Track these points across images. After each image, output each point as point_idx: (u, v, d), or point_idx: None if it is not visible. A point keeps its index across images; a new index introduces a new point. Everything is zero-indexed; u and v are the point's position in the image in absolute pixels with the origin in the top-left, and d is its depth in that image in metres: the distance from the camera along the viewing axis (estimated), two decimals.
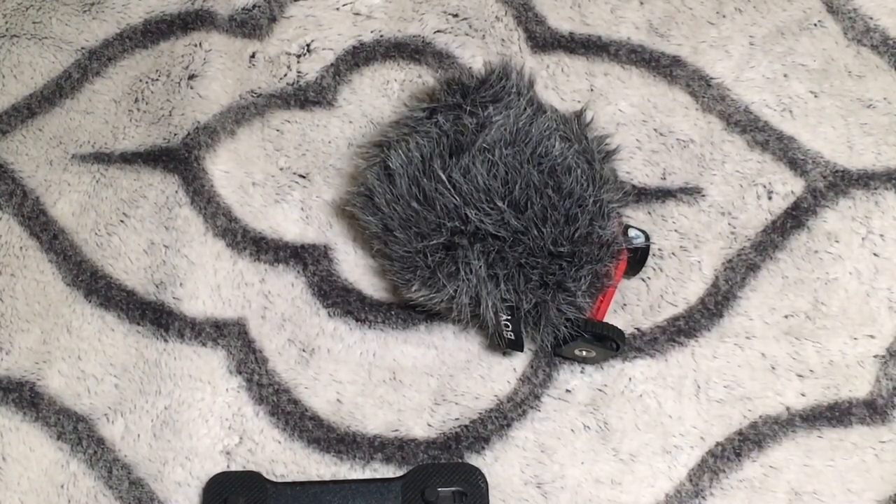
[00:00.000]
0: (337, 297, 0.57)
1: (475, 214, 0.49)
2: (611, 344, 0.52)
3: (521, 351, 0.52)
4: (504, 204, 0.49)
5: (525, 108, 0.52)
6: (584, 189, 0.50)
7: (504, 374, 0.55)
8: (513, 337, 0.51)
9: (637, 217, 0.58)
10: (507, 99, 0.52)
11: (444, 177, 0.49)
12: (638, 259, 0.55)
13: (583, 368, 0.55)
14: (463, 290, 0.50)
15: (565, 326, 0.51)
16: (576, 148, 0.52)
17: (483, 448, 0.53)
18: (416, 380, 0.55)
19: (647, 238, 0.55)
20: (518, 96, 0.52)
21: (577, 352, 0.53)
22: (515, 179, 0.50)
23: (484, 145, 0.50)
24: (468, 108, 0.52)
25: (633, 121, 0.60)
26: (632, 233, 0.55)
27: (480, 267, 0.50)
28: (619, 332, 0.52)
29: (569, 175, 0.50)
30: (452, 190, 0.49)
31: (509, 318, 0.51)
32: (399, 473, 0.52)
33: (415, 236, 0.50)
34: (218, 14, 0.64)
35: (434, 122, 0.52)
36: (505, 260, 0.50)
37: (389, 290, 0.57)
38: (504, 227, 0.49)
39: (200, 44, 0.63)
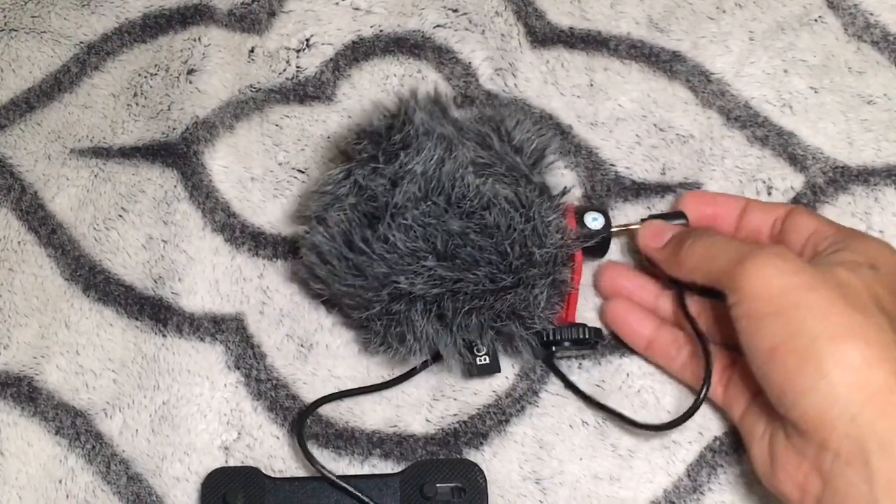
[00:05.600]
0: None
1: (406, 279, 0.49)
2: (589, 343, 0.52)
3: (499, 371, 0.52)
4: (432, 261, 0.49)
5: (433, 151, 0.50)
6: (510, 218, 0.49)
7: (502, 369, 0.55)
8: (487, 361, 0.51)
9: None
10: (417, 142, 0.51)
11: (367, 249, 0.49)
12: (600, 243, 0.54)
13: (580, 364, 0.55)
14: (416, 350, 0.51)
15: (537, 343, 0.52)
16: (498, 171, 0.51)
17: (481, 444, 0.53)
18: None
19: (607, 217, 0.54)
20: (427, 137, 0.51)
21: (557, 356, 0.54)
22: (435, 234, 0.49)
23: (395, 210, 0.49)
24: (382, 158, 0.51)
25: (633, 116, 0.60)
26: (588, 218, 0.53)
27: (427, 324, 0.50)
28: (594, 330, 0.52)
29: (489, 211, 0.49)
30: (379, 260, 0.49)
31: (477, 345, 0.51)
32: (397, 469, 0.52)
33: (357, 307, 0.51)
34: (217, 8, 0.64)
35: (353, 183, 0.51)
36: (453, 309, 0.49)
37: None
38: (438, 284, 0.49)
39: (199, 38, 0.63)
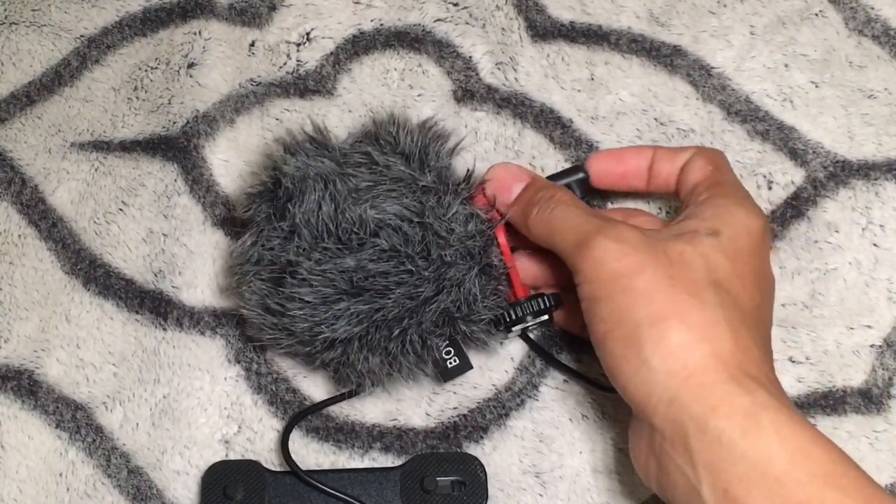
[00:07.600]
0: None
1: (327, 328, 0.48)
2: (551, 311, 0.51)
3: (471, 368, 0.51)
4: (345, 301, 0.48)
5: (312, 195, 0.49)
6: (403, 233, 0.48)
7: (502, 363, 0.55)
8: (457, 362, 0.51)
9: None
10: (299, 189, 0.49)
11: (284, 311, 0.49)
12: None
13: (581, 358, 0.55)
14: (372, 383, 0.50)
15: (496, 330, 0.51)
16: (384, 188, 0.49)
17: (481, 437, 0.53)
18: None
19: None
20: (304, 181, 0.49)
21: (526, 332, 0.53)
22: (334, 278, 0.48)
23: (291, 268, 0.48)
24: (276, 216, 0.50)
25: (634, 110, 0.60)
26: None
27: (366, 361, 0.49)
28: (551, 297, 0.51)
29: (380, 236, 0.48)
30: (298, 318, 0.48)
31: (449, 346, 0.50)
32: (398, 463, 0.53)
33: (305, 364, 0.52)
34: (217, 2, 0.64)
35: (261, 246, 0.50)
36: (385, 338, 0.48)
37: None
38: (362, 320, 0.48)
39: (200, 32, 0.63)
